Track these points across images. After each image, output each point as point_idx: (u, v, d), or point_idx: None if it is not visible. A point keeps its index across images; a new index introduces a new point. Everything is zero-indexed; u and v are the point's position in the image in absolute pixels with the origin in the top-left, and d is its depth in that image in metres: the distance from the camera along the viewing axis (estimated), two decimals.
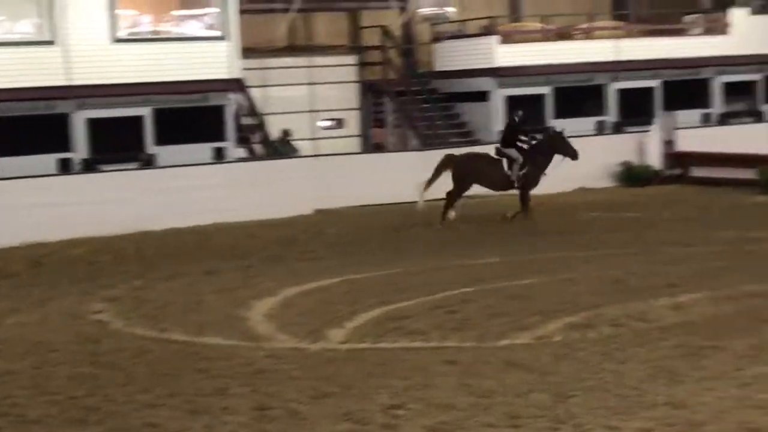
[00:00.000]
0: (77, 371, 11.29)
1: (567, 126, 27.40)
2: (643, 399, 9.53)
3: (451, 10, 28.11)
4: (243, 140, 25.20)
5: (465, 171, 21.46)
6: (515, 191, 21.41)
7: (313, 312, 13.79)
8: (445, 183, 21.53)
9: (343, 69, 27.69)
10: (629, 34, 29.25)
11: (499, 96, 27.61)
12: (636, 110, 28.58)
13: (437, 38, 29.24)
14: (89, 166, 22.99)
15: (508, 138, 21.52)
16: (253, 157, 25.09)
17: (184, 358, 11.67)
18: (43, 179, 21.83)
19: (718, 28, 30.21)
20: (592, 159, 26.32)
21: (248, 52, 25.05)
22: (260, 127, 25.54)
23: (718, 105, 30.01)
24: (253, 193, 22.94)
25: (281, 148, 25.41)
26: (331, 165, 24.43)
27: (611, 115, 28.67)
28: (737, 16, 30.04)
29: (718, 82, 29.99)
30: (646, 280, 14.91)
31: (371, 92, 28.42)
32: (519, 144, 21.31)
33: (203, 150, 23.97)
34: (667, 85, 29.21)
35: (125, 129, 23.41)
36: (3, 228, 20.16)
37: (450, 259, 17.30)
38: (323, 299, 14.61)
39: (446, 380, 10.38)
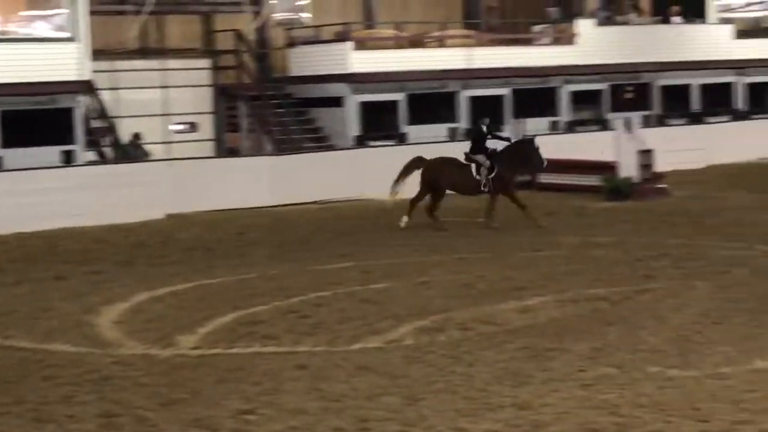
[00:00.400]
0: None
1: (420, 132, 27.99)
2: (490, 401, 9.74)
3: (305, 16, 28.15)
4: (92, 143, 24.74)
5: (432, 174, 21.51)
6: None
7: (164, 318, 13.66)
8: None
9: (196, 72, 27.45)
10: (480, 43, 29.76)
11: (353, 102, 27.77)
12: (489, 117, 29.01)
13: (292, 43, 29.25)
14: None
15: (476, 144, 21.57)
16: (103, 160, 24.65)
17: (29, 365, 11.43)
18: None
19: (565, 38, 30.98)
20: None
21: (99, 54, 24.63)
22: (110, 130, 25.12)
23: (565, 113, 30.77)
24: (102, 197, 22.56)
25: (132, 152, 25.04)
26: (184, 169, 24.21)
27: (463, 122, 29.11)
28: (584, 27, 30.87)
29: (565, 91, 30.75)
30: (495, 284, 15.21)
31: (225, 96, 28.25)
32: (488, 147, 21.39)
33: (51, 153, 23.47)
34: (517, 93, 29.82)
35: None
36: None
37: (305, 264, 17.33)
38: (175, 305, 14.47)
39: (297, 385, 10.42)
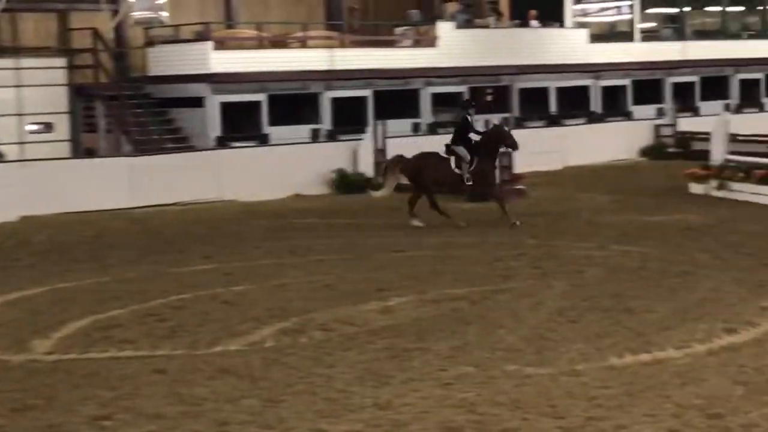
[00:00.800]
0: None
1: (282, 134, 27.88)
2: (350, 401, 9.74)
3: (164, 15, 27.75)
4: None
5: (411, 172, 21.31)
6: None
7: (17, 322, 13.31)
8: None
9: (51, 71, 26.80)
10: (342, 44, 29.81)
11: (213, 102, 27.49)
12: (349, 119, 29.15)
13: (151, 42, 28.80)
14: None
15: (459, 135, 21.23)
16: None
17: None
18: None
19: (426, 40, 31.25)
20: (306, 166, 26.77)
21: None
22: None
23: (426, 115, 31.04)
24: None
25: None
26: (39, 170, 23.63)
27: (325, 123, 29.11)
28: (444, 29, 31.19)
29: (426, 93, 31.02)
30: (356, 285, 15.24)
31: (82, 96, 27.66)
32: (471, 138, 21.07)
33: None
34: (379, 95, 29.95)
35: None
36: None
37: (165, 266, 17.09)
38: (28, 309, 14.11)
39: (155, 389, 10.25)
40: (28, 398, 9.98)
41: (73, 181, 23.86)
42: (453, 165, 20.99)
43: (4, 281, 16.01)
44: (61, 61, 27.14)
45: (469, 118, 21.45)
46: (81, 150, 27.31)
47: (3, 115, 25.57)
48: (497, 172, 22.46)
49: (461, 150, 21.03)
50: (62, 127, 27.18)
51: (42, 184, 23.26)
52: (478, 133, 21.41)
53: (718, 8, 38.83)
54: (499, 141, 21.30)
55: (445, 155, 21.30)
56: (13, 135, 25.62)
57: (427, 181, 21.24)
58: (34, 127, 26.56)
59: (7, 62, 25.80)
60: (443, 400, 9.72)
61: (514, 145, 21.50)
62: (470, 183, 21.04)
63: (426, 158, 21.56)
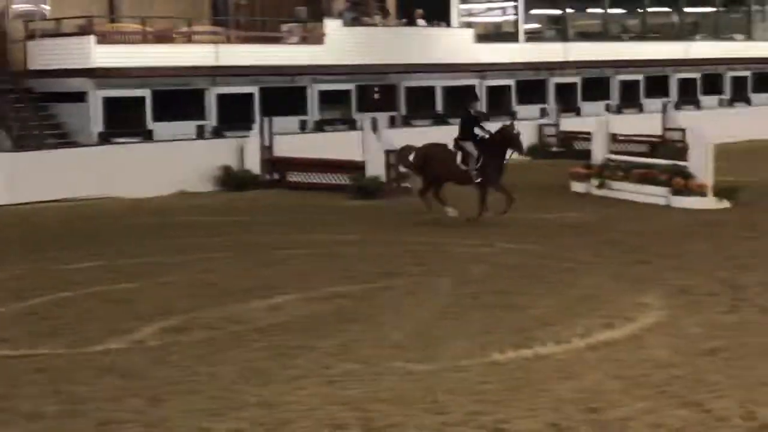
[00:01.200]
0: None
1: (167, 130, 27.61)
2: (234, 400, 9.71)
3: (46, 8, 27.24)
4: None
5: (419, 161, 20.85)
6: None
7: None
8: None
9: None
10: (228, 40, 29.64)
11: (96, 97, 27.08)
12: (236, 115, 29.02)
13: (31, 36, 28.23)
14: None
15: (464, 130, 20.69)
16: None
17: None
18: None
19: (313, 38, 31.25)
20: (191, 163, 26.58)
21: None
22: None
23: (314, 112, 31.05)
24: None
25: None
26: None
27: (211, 120, 28.92)
28: (331, 27, 31.23)
29: (313, 91, 31.03)
30: (241, 282, 15.18)
31: None
32: (479, 134, 20.52)
33: None
34: (266, 92, 29.86)
35: None
36: None
37: (47, 264, 16.79)
38: None
39: (35, 388, 10.08)
40: None
41: None
42: (459, 160, 20.55)
43: None
44: None
45: (472, 112, 20.97)
46: None
47: None
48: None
49: (469, 146, 20.52)
50: None
51: None
52: (484, 130, 20.74)
53: (600, 10, 39.63)
54: (506, 142, 20.57)
55: (452, 149, 20.81)
56: None
57: (432, 171, 20.78)
58: None
59: None
60: (328, 398, 9.75)
61: (520, 149, 20.99)
62: (478, 180, 20.48)
63: (433, 149, 21.24)
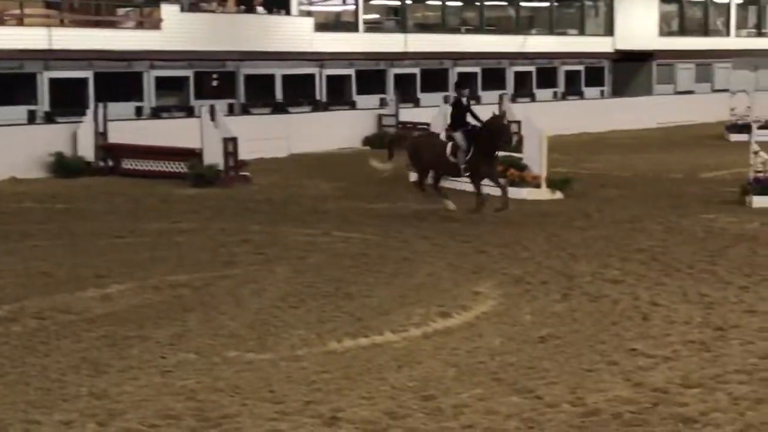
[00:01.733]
0: None
1: None
2: (65, 391, 9.46)
3: None
4: None
5: (412, 151, 20.06)
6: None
7: None
8: None
9: None
10: (62, 23, 28.87)
11: None
12: (69, 100, 28.31)
13: None
14: None
15: (455, 119, 19.50)
16: None
17: None
18: None
19: (150, 23, 30.71)
20: (22, 149, 25.81)
21: None
22: None
23: (150, 98, 30.53)
24: None
25: None
26: None
27: (43, 105, 28.12)
28: (168, 12, 30.74)
29: (150, 76, 30.49)
30: (73, 271, 14.80)
31: None
32: (470, 124, 19.36)
33: None
34: (101, 77, 29.23)
35: None
36: None
37: None
38: None
39: None
40: None
41: None
42: (449, 152, 19.44)
43: None
44: None
45: (464, 101, 19.78)
46: None
47: None
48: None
49: (458, 137, 19.37)
50: None
51: None
52: (476, 118, 19.51)
53: (439, 2, 40.10)
54: (496, 135, 19.09)
55: (443, 139, 19.91)
56: None
57: (422, 162, 20.01)
58: None
59: None
60: (162, 388, 9.58)
61: (509, 141, 20.05)
62: (467, 174, 19.53)
63: (424, 139, 20.72)
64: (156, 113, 30.43)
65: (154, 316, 12.33)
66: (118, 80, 29.58)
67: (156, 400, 9.25)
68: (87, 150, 26.70)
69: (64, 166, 26.29)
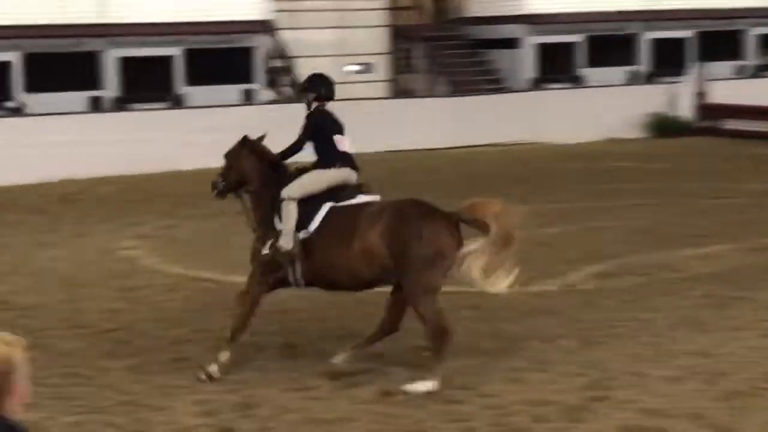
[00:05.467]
0: (108, 306, 11.43)
1: (598, 75, 27.49)
2: (672, 347, 9.58)
3: None
4: (272, 83, 25.20)
5: None
6: None
7: None
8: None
9: (373, 13, 27.56)
10: None
11: (529, 43, 27.43)
12: (669, 61, 28.35)
13: None
14: (119, 105, 23.06)
15: None
16: (281, 99, 25.09)
17: (213, 295, 11.76)
18: (74, 116, 21.97)
19: None
20: (621, 109, 26.28)
21: None
22: (289, 70, 25.52)
23: (752, 57, 29.72)
24: (280, 135, 22.88)
25: None
26: (359, 110, 24.39)
27: (643, 65, 28.45)
28: None
29: (752, 34, 29.67)
30: (672, 230, 14.90)
31: (401, 37, 28.29)
32: None
33: (232, 91, 24.00)
34: (701, 36, 28.93)
35: (156, 68, 23.46)
36: (34, 164, 20.30)
37: None
38: None
39: (473, 325, 10.38)
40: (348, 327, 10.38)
41: (392, 121, 24.48)
42: None
43: None
44: (382, 2, 27.85)
45: None
46: (399, 91, 28.02)
47: (327, 56, 26.55)
48: None
49: None
50: (381, 67, 27.97)
51: (361, 123, 23.97)
52: None
53: None
54: None
55: None
56: (335, 75, 26.54)
57: None
58: (355, 68, 27.44)
59: (331, 4, 26.72)
60: (764, 351, 9.39)
61: None
62: None
63: None
64: (757, 72, 29.55)
65: (754, 277, 12.09)
66: (719, 38, 29.10)
67: (760, 363, 9.08)
68: (686, 110, 26.66)
69: (662, 126, 26.46)
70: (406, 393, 8.49)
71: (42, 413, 7.89)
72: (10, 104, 22.13)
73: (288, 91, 25.37)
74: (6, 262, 13.88)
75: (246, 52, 24.43)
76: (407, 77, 28.63)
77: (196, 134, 21.93)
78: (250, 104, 24.08)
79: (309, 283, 9.26)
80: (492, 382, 8.77)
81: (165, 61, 23.61)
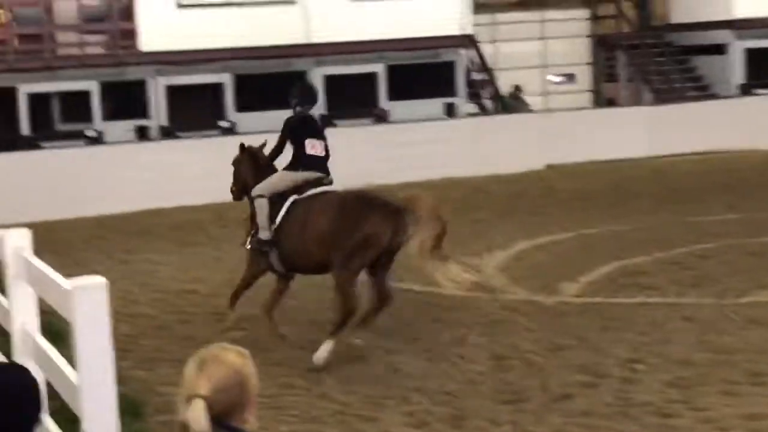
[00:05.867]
0: (318, 318, 11.66)
1: None
2: None
3: None
4: (473, 96, 25.33)
5: None
6: None
7: (545, 266, 13.81)
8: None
9: (574, 23, 27.38)
10: None
11: (737, 49, 26.65)
12: None
13: None
14: (325, 122, 23.59)
15: None
16: (483, 112, 25.19)
17: (421, 307, 11.89)
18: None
19: None
20: None
21: (480, 7, 25.09)
22: (491, 82, 25.61)
23: None
24: (482, 148, 23.04)
25: (512, 104, 25.43)
26: (562, 120, 24.27)
27: None
28: None
29: None
30: None
31: (603, 46, 27.99)
32: None
33: (434, 105, 24.24)
34: None
35: (360, 85, 23.91)
36: None
37: (685, 215, 16.95)
38: (555, 253, 14.60)
39: (684, 336, 10.23)
40: (560, 338, 10.37)
41: (595, 130, 24.23)
42: None
43: (531, 226, 16.66)
44: (584, 13, 27.66)
45: None
46: (602, 100, 27.73)
47: (528, 67, 26.53)
48: None
49: None
50: (584, 77, 27.75)
51: (565, 133, 23.87)
52: None
53: None
54: None
55: None
56: (537, 86, 26.51)
57: None
58: (557, 78, 27.33)
59: (533, 15, 26.69)
60: None
61: None
62: None
63: None
64: None
65: None
66: None
67: None
68: None
69: None
70: (314, 365, 9.62)
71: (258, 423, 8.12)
72: (223, 123, 22.94)
73: (489, 103, 25.47)
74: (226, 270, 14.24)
75: (448, 66, 24.62)
76: (610, 86, 28.29)
77: (399, 149, 22.24)
78: (453, 118, 24.25)
79: (289, 269, 10.51)
80: (706, 395, 8.59)
81: (368, 78, 24.04)
